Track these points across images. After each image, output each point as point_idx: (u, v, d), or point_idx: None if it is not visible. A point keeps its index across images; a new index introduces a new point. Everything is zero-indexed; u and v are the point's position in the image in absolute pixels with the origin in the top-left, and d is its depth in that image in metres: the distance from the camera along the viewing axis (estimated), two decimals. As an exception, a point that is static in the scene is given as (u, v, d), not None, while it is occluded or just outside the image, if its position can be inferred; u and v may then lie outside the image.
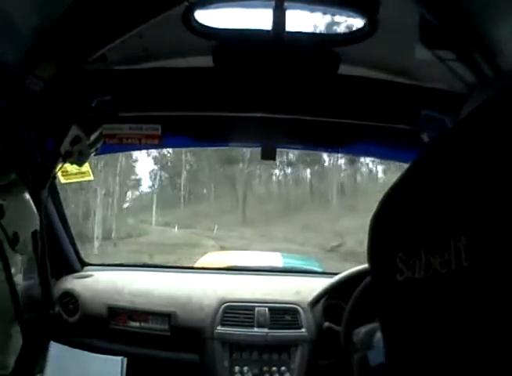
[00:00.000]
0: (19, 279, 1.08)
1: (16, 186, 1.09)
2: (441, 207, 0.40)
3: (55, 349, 1.32)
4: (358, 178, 13.93)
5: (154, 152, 13.12)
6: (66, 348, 1.35)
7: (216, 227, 11.32)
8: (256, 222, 12.49)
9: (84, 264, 1.73)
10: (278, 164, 13.14)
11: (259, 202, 13.73)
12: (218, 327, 1.49)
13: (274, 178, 15.27)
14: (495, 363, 0.36)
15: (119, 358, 1.38)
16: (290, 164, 13.93)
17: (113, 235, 11.03)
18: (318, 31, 1.19)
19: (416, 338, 0.43)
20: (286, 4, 1.03)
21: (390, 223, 0.46)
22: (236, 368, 1.45)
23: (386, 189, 0.49)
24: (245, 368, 1.44)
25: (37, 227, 1.18)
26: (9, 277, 1.00)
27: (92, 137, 1.30)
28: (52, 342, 1.32)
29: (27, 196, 1.13)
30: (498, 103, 0.40)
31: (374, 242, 0.48)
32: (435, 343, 0.41)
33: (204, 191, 15.12)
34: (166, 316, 1.52)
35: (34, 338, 1.24)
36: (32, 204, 1.14)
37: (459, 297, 0.38)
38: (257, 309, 1.51)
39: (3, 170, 1.07)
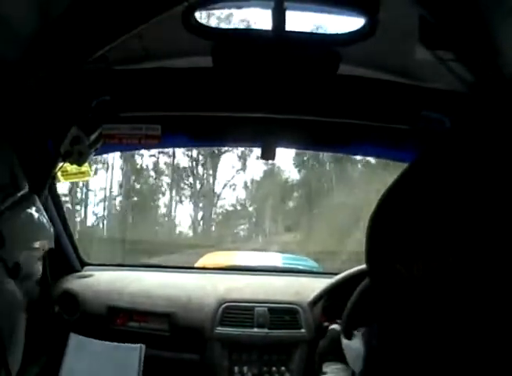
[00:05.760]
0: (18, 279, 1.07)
1: (27, 200, 1.07)
2: (439, 209, 0.40)
3: (74, 339, 1.32)
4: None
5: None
6: (84, 338, 1.36)
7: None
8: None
9: (84, 264, 1.73)
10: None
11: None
12: (218, 327, 1.49)
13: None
14: (496, 362, 0.36)
15: (137, 346, 1.37)
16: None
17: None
18: (318, 31, 1.19)
19: (414, 340, 0.43)
20: (285, 4, 1.03)
21: (387, 226, 0.46)
22: (236, 368, 1.44)
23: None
24: (244, 368, 1.44)
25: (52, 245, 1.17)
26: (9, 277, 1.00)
27: (92, 137, 1.31)
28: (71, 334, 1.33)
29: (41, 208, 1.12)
30: (495, 105, 0.40)
31: (372, 245, 0.48)
32: (434, 345, 0.41)
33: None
34: (166, 316, 1.51)
35: (34, 338, 1.24)
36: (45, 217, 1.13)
37: (458, 296, 0.38)
38: (256, 309, 1.51)
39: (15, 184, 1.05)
